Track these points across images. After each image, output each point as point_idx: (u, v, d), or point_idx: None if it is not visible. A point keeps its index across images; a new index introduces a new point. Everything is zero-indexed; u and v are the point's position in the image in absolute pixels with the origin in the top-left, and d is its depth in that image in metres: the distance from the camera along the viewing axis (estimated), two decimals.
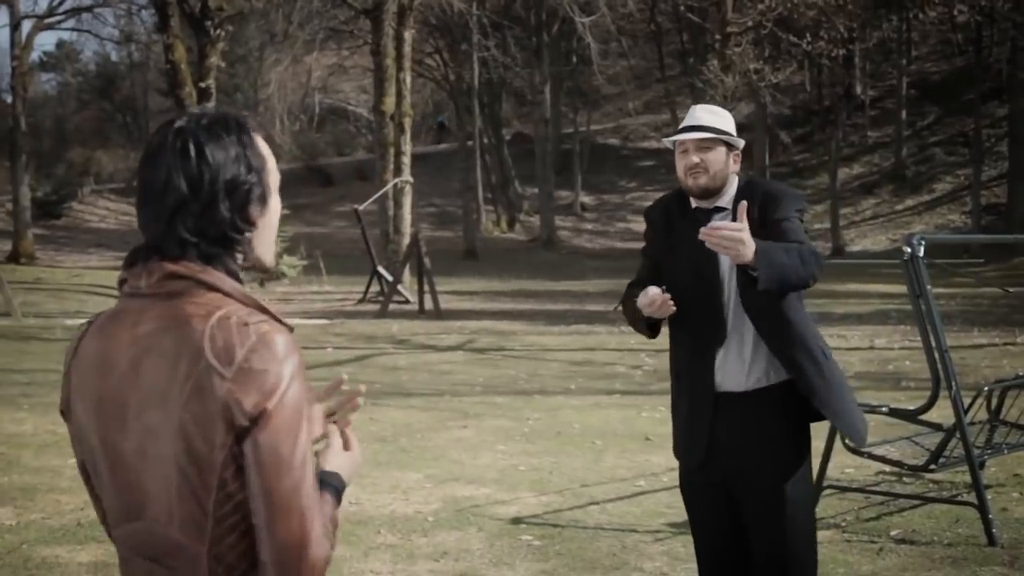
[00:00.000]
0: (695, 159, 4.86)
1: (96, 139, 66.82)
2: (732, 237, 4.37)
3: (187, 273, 2.46)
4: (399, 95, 32.65)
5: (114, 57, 77.87)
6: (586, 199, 59.72)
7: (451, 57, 53.09)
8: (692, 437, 4.97)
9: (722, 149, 4.90)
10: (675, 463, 10.49)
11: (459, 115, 54.53)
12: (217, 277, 2.49)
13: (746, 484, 4.85)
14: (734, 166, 4.95)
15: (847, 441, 8.77)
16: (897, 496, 9.15)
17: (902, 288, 27.31)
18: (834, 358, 4.94)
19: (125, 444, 2.47)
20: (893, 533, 8.14)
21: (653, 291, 4.71)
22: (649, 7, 51.60)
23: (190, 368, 2.39)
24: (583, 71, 58.67)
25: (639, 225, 45.11)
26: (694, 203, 4.97)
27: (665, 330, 5.07)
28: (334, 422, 2.76)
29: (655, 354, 19.45)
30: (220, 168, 2.52)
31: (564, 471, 10.50)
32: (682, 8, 41.45)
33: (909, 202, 52.25)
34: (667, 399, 14.20)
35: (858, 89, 58.54)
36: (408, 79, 33.30)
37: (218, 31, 27.43)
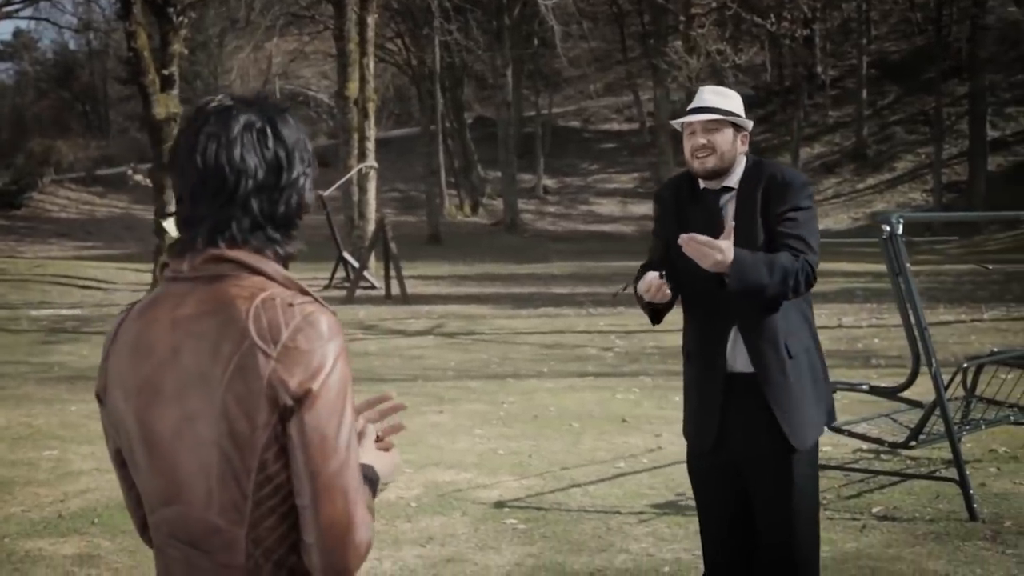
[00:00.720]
0: (702, 140, 4.87)
1: (55, 128, 66.20)
2: (705, 253, 4.47)
3: (231, 256, 2.46)
4: (362, 80, 32.54)
5: (72, 45, 77.45)
6: (548, 182, 59.75)
7: (413, 41, 52.94)
8: (703, 419, 4.99)
9: (729, 130, 4.91)
10: (653, 444, 10.61)
11: (421, 99, 54.40)
12: (261, 260, 2.49)
13: (755, 465, 4.88)
14: (742, 147, 4.96)
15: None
16: (876, 473, 9.20)
17: (866, 267, 27.50)
18: (805, 356, 4.95)
19: (163, 427, 2.47)
20: (875, 510, 8.18)
21: (650, 276, 4.73)
22: None
23: (234, 348, 2.38)
24: (544, 54, 58.70)
25: (602, 207, 45.50)
26: (702, 184, 4.98)
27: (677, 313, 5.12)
28: (379, 434, 2.77)
29: (625, 336, 19.52)
30: (293, 151, 2.54)
31: (543, 454, 10.51)
32: None
33: (870, 181, 52.52)
34: (640, 380, 14.33)
35: (819, 69, 58.81)
36: (372, 64, 33.20)
37: (181, 18, 27.27)
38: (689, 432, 5.14)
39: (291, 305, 2.41)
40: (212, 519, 2.43)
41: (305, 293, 2.49)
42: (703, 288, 4.84)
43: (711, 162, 4.88)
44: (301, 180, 2.55)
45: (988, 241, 37.78)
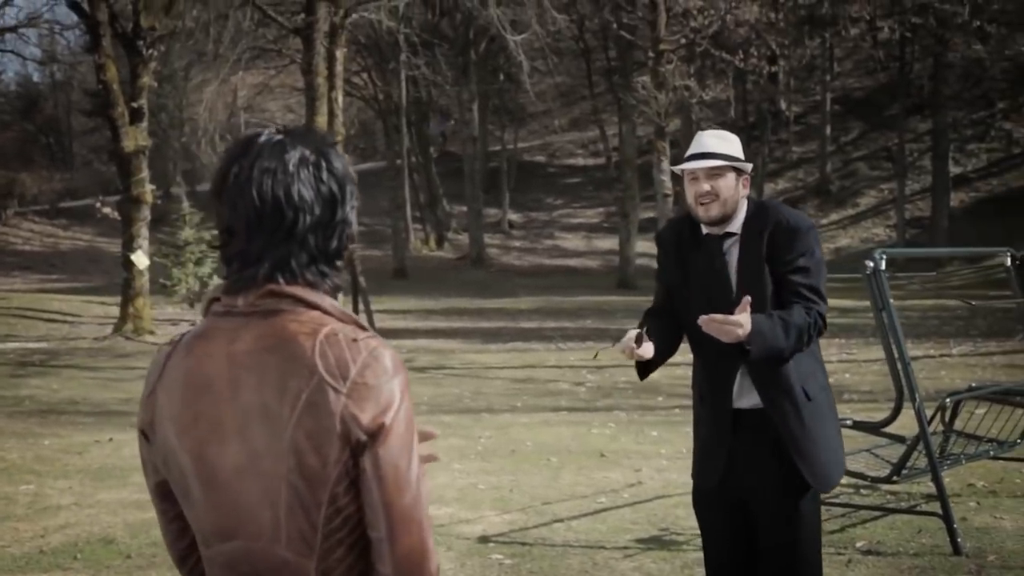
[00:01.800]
0: (706, 187, 4.86)
1: (19, 161, 65.70)
2: (726, 330, 4.48)
3: (289, 292, 2.47)
4: (331, 114, 32.48)
5: (36, 77, 77.07)
6: (514, 216, 59.79)
7: (379, 76, 52.96)
8: (711, 456, 5.01)
9: (731, 175, 4.90)
10: (633, 479, 10.62)
11: (387, 134, 54.41)
12: (318, 296, 2.50)
13: (762, 502, 4.89)
14: (743, 190, 4.96)
15: None
16: (858, 508, 9.23)
17: (835, 302, 27.58)
18: (823, 395, 4.99)
19: (224, 462, 2.46)
20: (859, 545, 8.21)
21: (628, 337, 4.75)
22: (578, 24, 51.78)
23: (302, 385, 2.39)
24: (510, 89, 58.83)
25: (567, 242, 45.55)
26: (705, 229, 4.99)
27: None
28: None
29: (596, 371, 19.55)
30: (345, 185, 2.55)
31: (524, 489, 10.51)
32: (614, 25, 41.53)
33: (834, 216, 52.82)
34: (615, 415, 14.39)
35: (783, 105, 59.16)
36: (340, 98, 33.17)
37: (150, 51, 27.21)
38: (695, 467, 5.16)
39: (355, 340, 2.42)
40: (280, 552, 2.45)
41: (362, 327, 2.50)
42: (706, 333, 4.88)
43: (715, 209, 4.87)
44: (351, 215, 2.57)
45: (951, 277, 38.02)
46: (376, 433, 2.37)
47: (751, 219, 4.91)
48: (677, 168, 5.04)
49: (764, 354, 4.59)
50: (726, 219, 4.92)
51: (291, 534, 2.43)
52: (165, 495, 2.64)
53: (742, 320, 4.47)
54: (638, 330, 4.78)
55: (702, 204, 4.89)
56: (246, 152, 2.52)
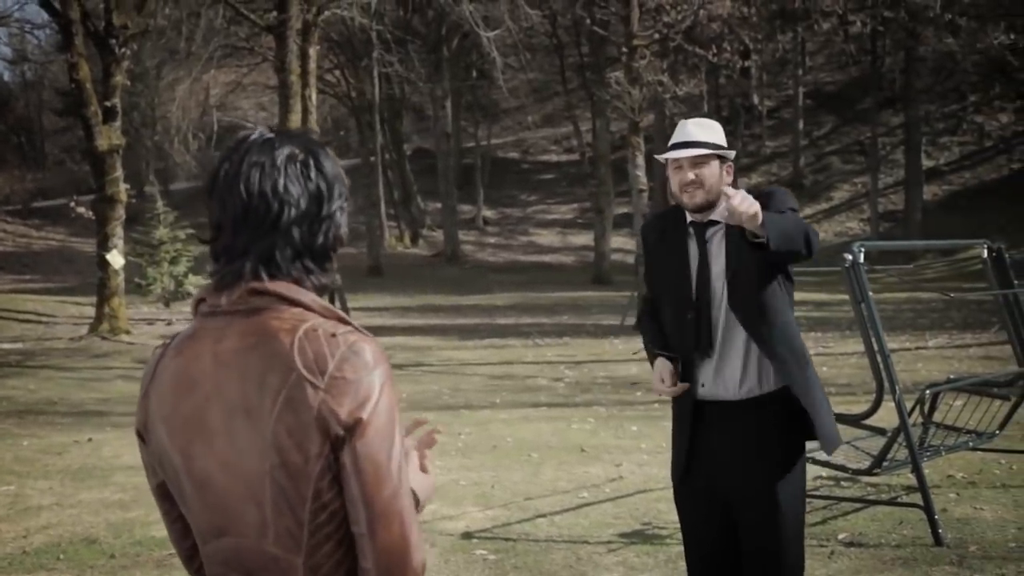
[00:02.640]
0: (690, 175, 4.89)
1: None
2: (747, 205, 4.38)
3: (270, 289, 2.48)
4: (305, 112, 32.44)
5: (7, 77, 76.75)
6: (488, 213, 59.80)
7: (352, 73, 52.89)
8: (677, 450, 5.03)
9: (715, 163, 4.93)
10: (614, 474, 10.68)
11: (361, 131, 54.35)
12: (300, 292, 2.51)
13: (741, 493, 4.88)
14: (727, 178, 4.98)
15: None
16: (839, 500, 9.27)
17: (810, 295, 27.62)
18: (812, 366, 5.02)
19: (211, 461, 2.48)
20: (841, 536, 8.25)
21: (662, 369, 4.85)
22: (551, 20, 51.78)
23: (281, 381, 2.40)
24: (483, 85, 58.82)
25: (542, 238, 45.48)
26: (689, 217, 5.01)
27: None
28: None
29: (574, 366, 19.59)
30: (333, 184, 2.58)
31: (506, 485, 10.52)
32: (587, 21, 41.53)
33: (808, 211, 52.93)
34: (594, 411, 14.40)
35: (756, 100, 59.31)
36: (314, 96, 33.12)
37: (123, 49, 27.08)
38: (672, 459, 5.18)
39: (334, 335, 2.43)
40: (268, 549, 2.45)
41: (345, 322, 2.51)
42: (681, 317, 4.91)
43: (699, 196, 4.89)
44: (339, 213, 2.59)
45: (925, 269, 38.19)
46: (353, 427, 2.37)
47: None
48: (661, 156, 5.05)
49: (779, 240, 4.51)
50: (710, 206, 4.94)
51: (278, 531, 2.44)
52: (165, 495, 2.65)
53: (755, 207, 4.40)
54: (668, 360, 4.85)
55: (687, 192, 4.91)
56: (236, 149, 2.56)
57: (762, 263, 4.77)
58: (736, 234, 4.80)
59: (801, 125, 55.87)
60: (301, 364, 2.40)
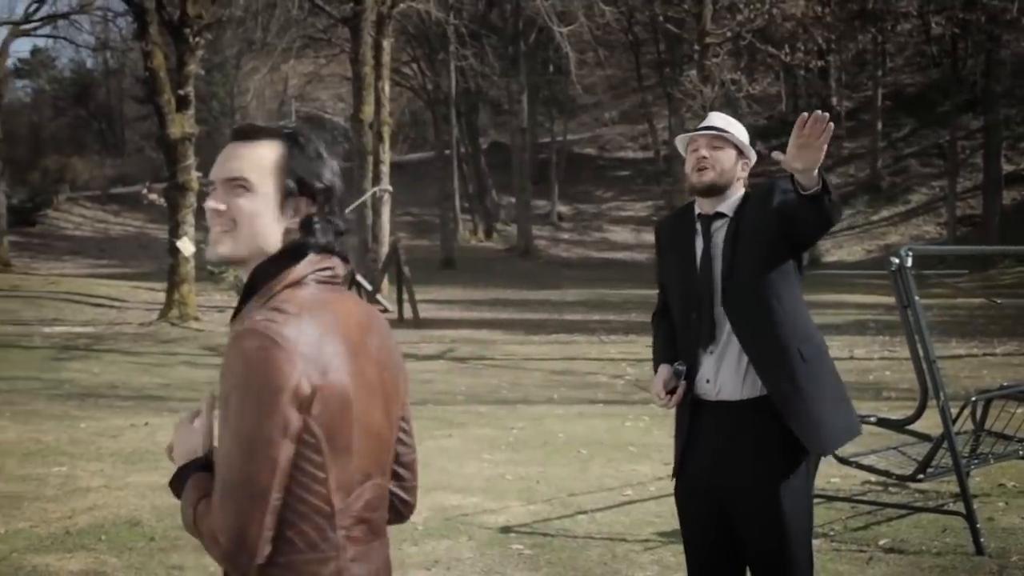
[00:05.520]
0: (704, 153, 4.85)
1: (71, 146, 66.43)
2: (816, 145, 4.32)
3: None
4: (378, 104, 32.65)
5: (89, 64, 77.66)
6: (563, 208, 59.81)
7: (428, 66, 53.08)
8: (676, 443, 4.99)
9: (732, 152, 4.89)
10: (662, 472, 10.62)
11: (436, 124, 54.51)
12: None
13: (740, 495, 4.79)
14: (742, 172, 4.94)
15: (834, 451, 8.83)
16: (884, 506, 9.17)
17: (880, 299, 27.40)
18: (820, 357, 4.89)
19: (378, 411, 2.85)
20: (881, 542, 8.16)
21: (663, 376, 4.83)
22: (627, 17, 51.65)
23: (395, 341, 3.00)
24: (560, 80, 58.75)
25: (615, 235, 45.41)
26: (697, 209, 4.98)
27: None
28: None
29: (636, 364, 19.50)
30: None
31: (551, 480, 10.50)
32: (660, 19, 41.42)
33: (884, 213, 52.50)
34: (650, 409, 14.31)
35: (834, 100, 58.80)
36: (387, 88, 33.32)
37: (197, 38, 27.32)
38: (674, 458, 5.14)
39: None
40: (387, 485, 2.97)
41: None
42: (685, 312, 4.88)
43: (709, 176, 4.84)
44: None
45: (1002, 275, 37.73)
46: None
47: (745, 205, 4.88)
48: (680, 137, 5.03)
49: (830, 198, 4.41)
50: (718, 190, 4.88)
51: (388, 469, 2.95)
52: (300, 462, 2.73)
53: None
54: (672, 369, 4.81)
55: (698, 170, 4.87)
56: (319, 139, 3.00)
57: (765, 258, 4.74)
58: (742, 229, 4.77)
59: (880, 127, 55.36)
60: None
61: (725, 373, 4.82)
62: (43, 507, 9.41)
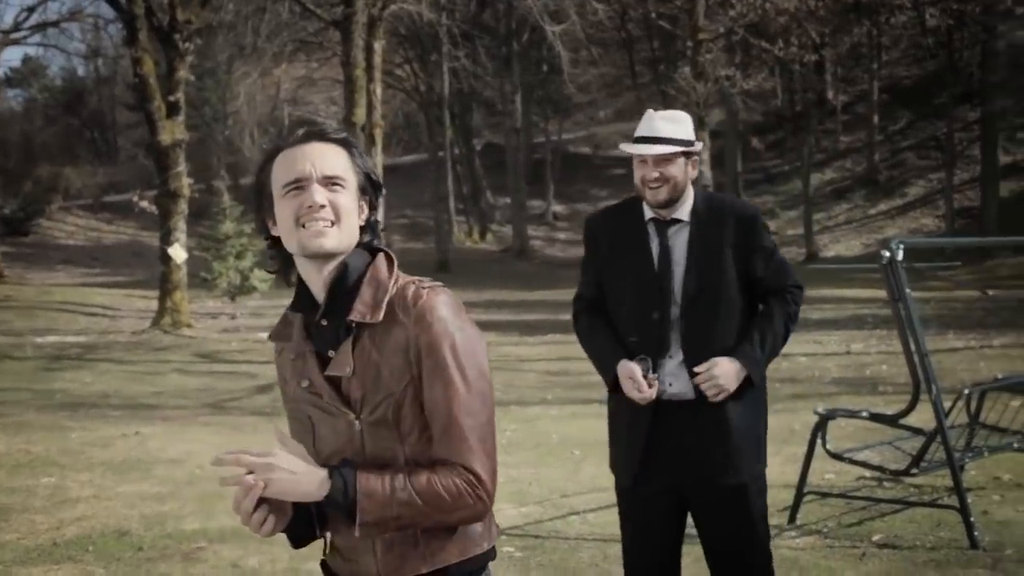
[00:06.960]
0: (655, 173, 4.80)
1: (64, 155, 66.17)
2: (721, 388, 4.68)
3: None
4: (370, 106, 32.51)
5: (81, 72, 77.44)
6: (558, 208, 59.71)
7: (421, 67, 53.01)
8: (631, 448, 4.88)
9: (681, 160, 4.84)
10: None
11: (430, 126, 54.45)
12: None
13: (699, 490, 4.82)
14: (692, 171, 4.90)
15: (828, 447, 8.76)
16: (878, 501, 9.09)
17: (877, 293, 27.34)
18: (762, 386, 4.94)
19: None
20: (875, 538, 8.07)
21: (635, 374, 4.76)
22: (619, 15, 51.58)
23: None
24: (553, 80, 58.68)
25: None
26: (649, 213, 4.90)
27: None
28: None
29: None
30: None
31: (543, 482, 10.43)
32: (653, 15, 41.36)
33: (882, 207, 52.37)
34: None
35: (830, 94, 58.76)
36: (379, 90, 33.19)
37: (187, 44, 27.24)
38: (616, 463, 5.04)
39: None
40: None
41: None
42: (638, 317, 4.83)
43: (663, 193, 4.81)
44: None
45: (999, 267, 37.65)
46: None
47: (702, 209, 4.85)
48: (625, 148, 4.93)
49: (766, 363, 4.82)
50: (673, 202, 4.85)
51: None
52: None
53: (725, 385, 4.69)
54: (646, 364, 4.76)
55: (651, 188, 4.82)
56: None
57: (726, 270, 4.77)
58: (704, 239, 4.75)
59: (876, 120, 55.24)
60: None
61: (687, 373, 4.80)
62: (31, 518, 9.35)
